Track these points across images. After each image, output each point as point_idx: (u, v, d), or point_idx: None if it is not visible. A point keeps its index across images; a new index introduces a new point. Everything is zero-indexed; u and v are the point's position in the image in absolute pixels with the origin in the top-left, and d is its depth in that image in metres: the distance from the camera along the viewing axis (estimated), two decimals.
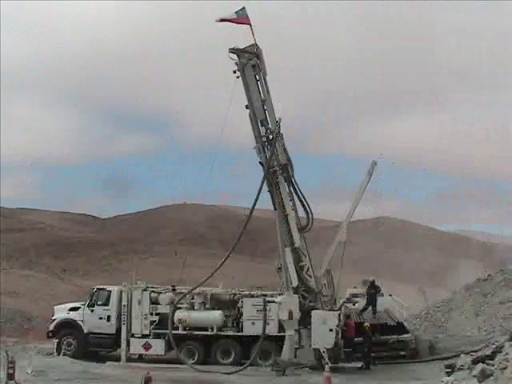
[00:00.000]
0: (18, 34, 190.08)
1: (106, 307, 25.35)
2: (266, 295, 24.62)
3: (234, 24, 23.48)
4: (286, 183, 23.89)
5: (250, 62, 23.53)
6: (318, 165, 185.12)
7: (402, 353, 25.03)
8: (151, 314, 24.84)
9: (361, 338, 24.01)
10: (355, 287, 35.00)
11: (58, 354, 24.67)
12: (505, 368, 14.89)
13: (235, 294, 25.18)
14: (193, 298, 25.10)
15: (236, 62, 23.49)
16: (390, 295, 30.64)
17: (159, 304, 24.97)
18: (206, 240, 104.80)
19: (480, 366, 16.10)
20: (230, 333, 24.34)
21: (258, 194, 23.47)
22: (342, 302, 26.63)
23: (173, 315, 24.33)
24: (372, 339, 24.06)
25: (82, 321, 25.40)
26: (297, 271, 23.64)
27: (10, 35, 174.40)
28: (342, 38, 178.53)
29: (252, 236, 74.51)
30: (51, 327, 25.73)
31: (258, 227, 60.07)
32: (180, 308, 24.83)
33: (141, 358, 25.25)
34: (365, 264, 61.53)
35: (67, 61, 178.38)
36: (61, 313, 26.15)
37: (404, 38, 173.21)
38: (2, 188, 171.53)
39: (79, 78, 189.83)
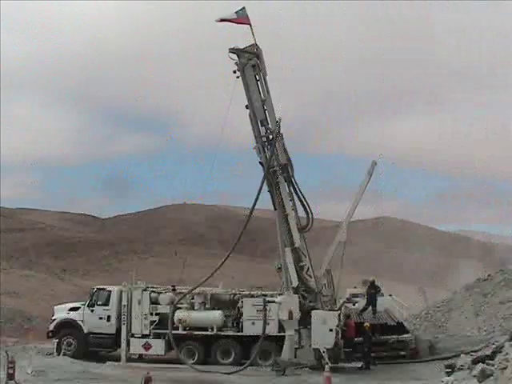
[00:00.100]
0: (18, 33, 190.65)
1: (106, 307, 25.32)
2: (266, 295, 24.60)
3: (234, 24, 23.46)
4: (285, 183, 23.86)
5: (250, 61, 23.50)
6: (318, 165, 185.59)
7: (402, 353, 25.01)
8: (151, 314, 24.81)
9: (361, 338, 23.99)
10: (355, 287, 34.96)
11: (58, 354, 24.65)
12: (505, 368, 14.88)
13: (235, 294, 25.16)
14: (193, 298, 25.08)
15: (236, 62, 23.46)
16: (390, 295, 30.60)
17: (159, 304, 24.94)
18: (205, 240, 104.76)
19: (480, 366, 16.09)
20: (230, 333, 24.32)
21: (258, 194, 23.47)
22: (342, 302, 26.59)
23: (173, 315, 24.30)
24: (372, 339, 24.04)
25: (82, 321, 25.38)
26: (297, 271, 23.61)
27: (9, 35, 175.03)
28: (342, 38, 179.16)
29: (252, 236, 74.65)
30: (51, 327, 25.71)
31: (258, 227, 60.20)
32: (180, 308, 24.80)
33: (141, 358, 25.22)
34: (365, 264, 61.54)
35: (67, 61, 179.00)
36: (61, 313, 26.12)
37: (404, 38, 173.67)
38: (2, 188, 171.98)
39: (79, 78, 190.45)
